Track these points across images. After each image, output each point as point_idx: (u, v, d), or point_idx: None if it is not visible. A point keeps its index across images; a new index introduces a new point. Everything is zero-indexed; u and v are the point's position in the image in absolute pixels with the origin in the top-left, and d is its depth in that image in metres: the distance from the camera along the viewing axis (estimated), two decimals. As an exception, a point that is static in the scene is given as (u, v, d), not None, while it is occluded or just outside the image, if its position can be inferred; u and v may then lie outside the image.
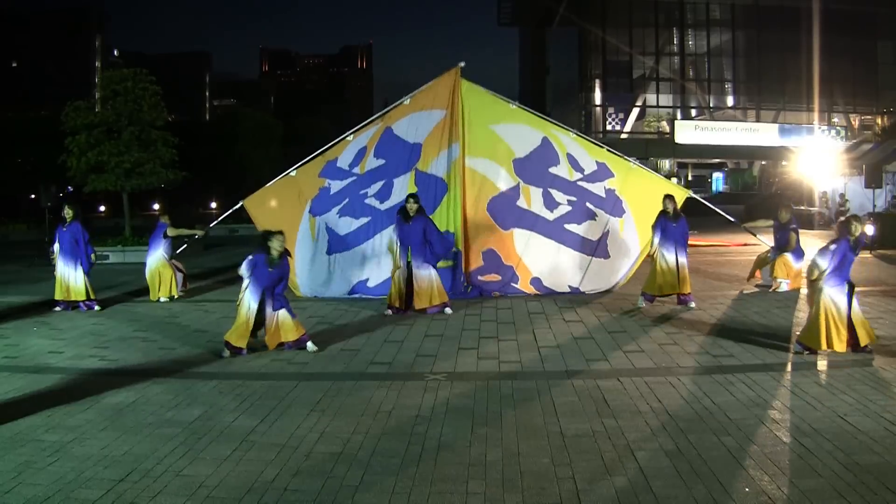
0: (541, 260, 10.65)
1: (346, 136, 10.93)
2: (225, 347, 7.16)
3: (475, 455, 4.48)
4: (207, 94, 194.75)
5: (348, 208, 10.57)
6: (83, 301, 9.98)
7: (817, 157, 24.29)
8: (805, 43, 40.19)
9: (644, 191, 10.45)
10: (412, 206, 9.14)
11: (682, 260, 9.29)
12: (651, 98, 49.17)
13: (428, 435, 4.84)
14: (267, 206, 10.83)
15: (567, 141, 10.91)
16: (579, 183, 10.72)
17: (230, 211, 11.38)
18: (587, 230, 10.66)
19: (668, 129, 46.80)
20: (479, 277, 10.61)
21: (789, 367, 6.39)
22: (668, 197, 9.44)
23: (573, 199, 10.69)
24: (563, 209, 10.68)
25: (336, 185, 10.65)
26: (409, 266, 9.20)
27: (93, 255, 10.15)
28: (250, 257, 7.30)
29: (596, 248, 10.59)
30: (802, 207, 23.06)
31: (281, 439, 4.81)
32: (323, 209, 10.61)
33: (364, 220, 10.53)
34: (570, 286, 10.59)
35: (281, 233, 7.47)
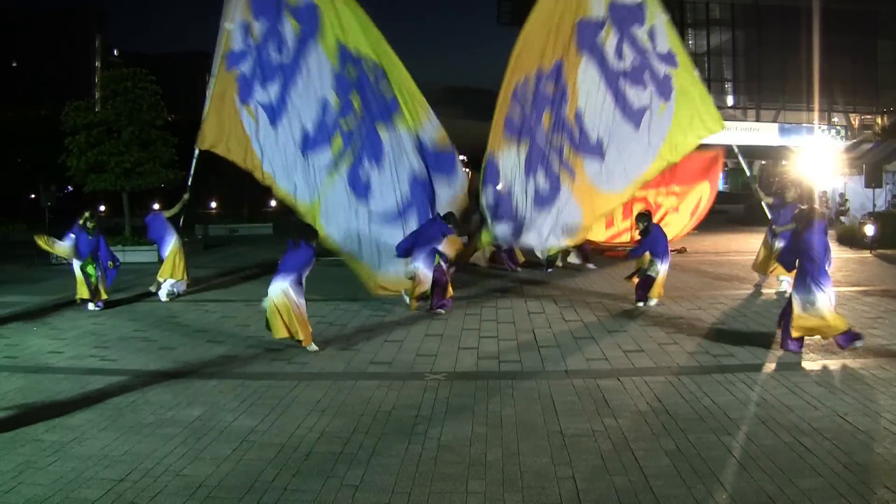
0: (587, 94, 10.75)
1: (223, 26, 10.71)
2: (311, 345, 7.34)
3: (475, 455, 4.48)
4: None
5: (265, 77, 10.66)
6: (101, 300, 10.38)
7: (817, 156, 24.27)
8: (805, 42, 40.12)
9: (691, 97, 10.68)
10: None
11: (658, 267, 9.29)
12: (651, 97, 49.08)
13: (428, 434, 4.84)
14: (216, 133, 10.74)
15: (658, 17, 10.98)
16: (647, 54, 10.89)
17: (193, 164, 11.12)
18: (633, 95, 10.80)
19: (667, 128, 46.73)
20: (541, 86, 10.67)
21: (789, 367, 6.39)
22: (641, 215, 9.72)
23: (637, 62, 10.86)
24: (625, 64, 10.84)
25: (246, 67, 10.71)
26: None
27: (110, 263, 10.66)
28: (311, 251, 7.40)
29: (631, 114, 10.74)
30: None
31: (281, 439, 4.81)
32: (249, 92, 10.67)
33: (280, 78, 10.59)
34: (598, 138, 10.70)
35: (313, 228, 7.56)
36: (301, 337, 7.22)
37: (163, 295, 10.90)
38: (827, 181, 23.19)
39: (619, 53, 10.83)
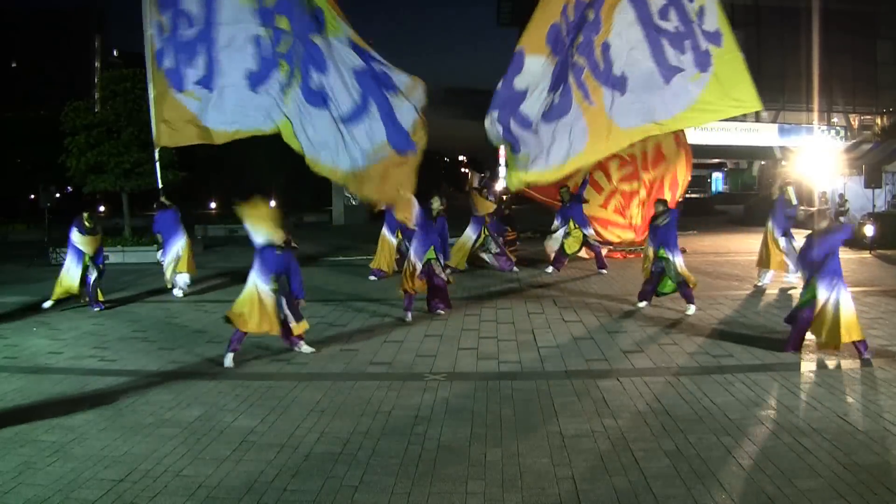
0: (619, 33, 10.48)
1: (146, 32, 11.02)
2: (301, 341, 7.26)
3: (475, 455, 4.48)
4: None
5: (188, 57, 10.82)
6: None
7: (817, 156, 24.27)
8: (805, 42, 40.11)
9: (730, 80, 10.41)
10: (437, 207, 9.20)
11: (673, 260, 9.20)
12: (651, 98, 49.02)
13: (428, 435, 4.84)
14: (168, 128, 10.93)
15: None
16: (693, 26, 10.65)
17: (157, 165, 11.53)
18: (671, 53, 10.51)
19: (667, 129, 46.71)
20: (583, 11, 10.45)
21: (789, 368, 6.39)
22: (660, 201, 9.71)
23: (681, 30, 10.59)
24: (669, 25, 10.59)
25: (169, 61, 10.93)
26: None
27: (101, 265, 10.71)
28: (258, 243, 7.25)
29: (666, 69, 10.44)
30: (802, 207, 23.06)
31: (281, 439, 4.81)
32: (181, 80, 10.83)
33: (202, 46, 10.72)
34: (622, 73, 10.44)
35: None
36: (271, 328, 6.96)
37: (177, 285, 11.19)
38: (826, 182, 23.19)
39: (664, 15, 10.61)
